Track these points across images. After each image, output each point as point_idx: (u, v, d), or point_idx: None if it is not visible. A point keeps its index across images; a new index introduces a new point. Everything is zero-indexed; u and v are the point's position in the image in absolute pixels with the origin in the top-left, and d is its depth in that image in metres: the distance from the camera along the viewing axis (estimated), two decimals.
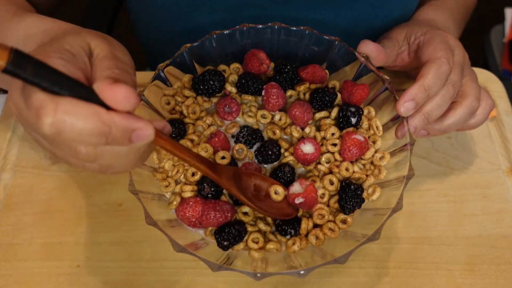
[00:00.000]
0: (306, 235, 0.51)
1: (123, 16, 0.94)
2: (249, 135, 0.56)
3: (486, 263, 0.55)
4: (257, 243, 0.50)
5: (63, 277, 0.54)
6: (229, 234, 0.48)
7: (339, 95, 0.58)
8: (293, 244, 0.49)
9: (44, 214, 0.59)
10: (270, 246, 0.49)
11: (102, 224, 0.58)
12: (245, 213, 0.52)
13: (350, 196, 0.50)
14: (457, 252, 0.56)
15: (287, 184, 0.53)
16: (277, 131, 0.56)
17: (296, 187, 0.51)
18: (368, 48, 0.55)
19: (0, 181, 0.61)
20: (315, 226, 0.52)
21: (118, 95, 0.34)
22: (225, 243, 0.48)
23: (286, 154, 0.55)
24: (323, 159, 0.55)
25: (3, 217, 0.59)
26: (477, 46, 1.12)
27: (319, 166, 0.54)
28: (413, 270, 0.55)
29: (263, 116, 0.57)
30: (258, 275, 0.44)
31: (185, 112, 0.57)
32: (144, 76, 0.70)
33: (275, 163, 0.56)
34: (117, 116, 0.34)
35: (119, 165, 0.38)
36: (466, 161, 0.63)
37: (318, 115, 0.57)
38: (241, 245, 0.50)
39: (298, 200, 0.50)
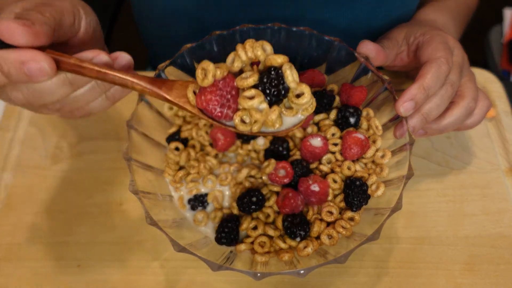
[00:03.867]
0: (317, 237, 0.50)
1: (124, 16, 0.94)
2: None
3: (486, 263, 0.55)
4: (263, 247, 0.49)
5: (63, 277, 0.55)
6: (227, 229, 0.49)
7: (337, 97, 0.58)
8: (305, 247, 0.49)
9: (44, 214, 0.59)
10: (285, 257, 0.48)
11: (102, 224, 0.58)
12: (255, 228, 0.51)
13: (356, 192, 0.50)
14: (457, 252, 0.56)
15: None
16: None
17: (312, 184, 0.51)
18: (367, 48, 0.55)
19: (0, 181, 0.61)
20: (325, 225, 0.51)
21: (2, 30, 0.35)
22: (222, 234, 0.49)
23: (291, 153, 0.55)
24: (324, 159, 0.55)
25: (4, 217, 0.59)
26: (477, 46, 1.12)
27: (321, 166, 0.54)
28: (413, 270, 0.55)
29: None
30: (258, 275, 0.44)
31: (184, 114, 0.57)
32: None
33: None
34: (6, 52, 0.36)
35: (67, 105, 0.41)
36: (466, 161, 0.63)
37: (317, 117, 0.57)
38: (242, 246, 0.49)
39: (314, 188, 0.50)
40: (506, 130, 0.66)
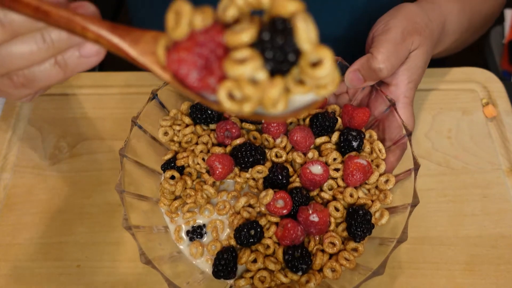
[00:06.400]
0: (319, 270, 0.48)
1: (123, 16, 0.94)
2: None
3: (486, 263, 0.55)
4: (263, 282, 0.47)
5: (63, 277, 0.54)
6: (224, 261, 0.47)
7: (339, 119, 0.56)
8: (308, 281, 0.47)
9: (44, 214, 0.59)
10: None
11: (102, 224, 0.58)
12: (254, 261, 0.49)
13: (359, 222, 0.48)
14: (457, 252, 0.56)
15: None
16: (283, 154, 0.54)
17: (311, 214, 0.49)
18: (349, 83, 0.54)
19: (0, 181, 0.61)
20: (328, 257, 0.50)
21: None
22: (219, 267, 0.47)
23: (290, 180, 0.53)
24: (325, 186, 0.53)
25: (3, 217, 0.59)
26: (477, 47, 1.12)
27: (322, 194, 0.52)
28: (413, 270, 0.55)
29: (266, 140, 0.55)
30: None
31: (180, 139, 0.56)
32: (143, 76, 0.70)
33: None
34: None
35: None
36: (466, 161, 0.63)
37: (319, 140, 0.55)
38: (242, 282, 0.48)
39: (313, 218, 0.48)
40: (507, 130, 0.66)
